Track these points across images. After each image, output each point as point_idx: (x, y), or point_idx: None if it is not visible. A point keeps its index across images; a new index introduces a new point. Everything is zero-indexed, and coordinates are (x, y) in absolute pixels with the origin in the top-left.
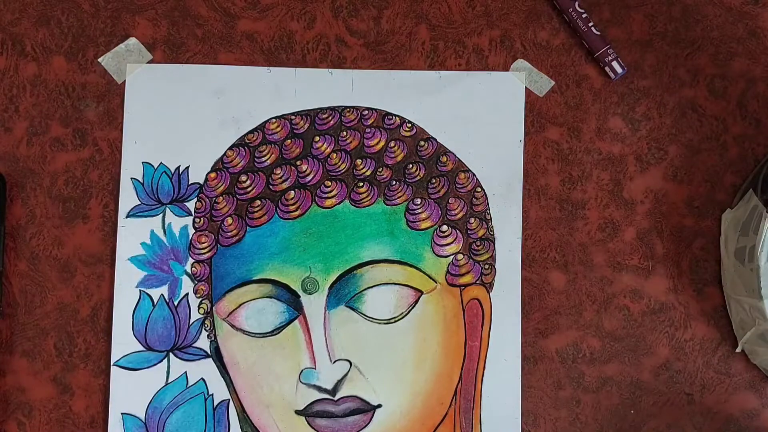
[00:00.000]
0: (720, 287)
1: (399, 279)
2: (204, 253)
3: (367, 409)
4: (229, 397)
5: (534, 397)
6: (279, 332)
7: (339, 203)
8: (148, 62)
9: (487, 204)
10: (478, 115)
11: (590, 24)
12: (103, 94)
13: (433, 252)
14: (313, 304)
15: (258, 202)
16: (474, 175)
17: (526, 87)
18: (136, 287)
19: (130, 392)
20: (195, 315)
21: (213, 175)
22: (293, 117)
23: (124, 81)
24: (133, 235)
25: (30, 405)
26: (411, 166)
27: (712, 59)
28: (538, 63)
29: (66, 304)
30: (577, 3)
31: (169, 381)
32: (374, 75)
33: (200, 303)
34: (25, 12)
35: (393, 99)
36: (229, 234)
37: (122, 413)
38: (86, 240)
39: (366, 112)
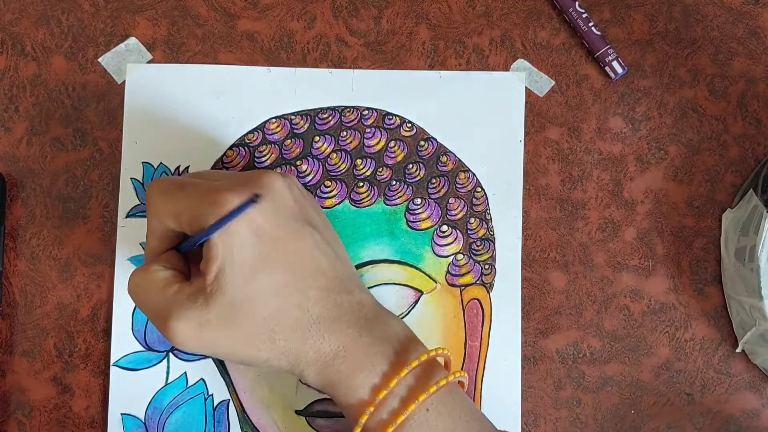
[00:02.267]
0: (720, 287)
1: (399, 279)
2: None
3: None
4: (229, 397)
5: (534, 397)
6: None
7: (339, 203)
8: (148, 62)
9: (487, 204)
10: (478, 115)
11: (590, 24)
12: (102, 94)
13: (433, 252)
14: None
15: None
16: (474, 175)
17: (526, 87)
18: None
19: (130, 392)
20: None
21: None
22: (293, 117)
23: (124, 81)
24: (133, 235)
25: (30, 405)
26: (411, 166)
27: (712, 59)
28: (538, 63)
29: (66, 304)
30: (577, 3)
31: (168, 381)
32: (374, 75)
33: None
34: (25, 12)
35: (393, 99)
36: None
37: (122, 413)
38: (86, 240)
39: (366, 112)
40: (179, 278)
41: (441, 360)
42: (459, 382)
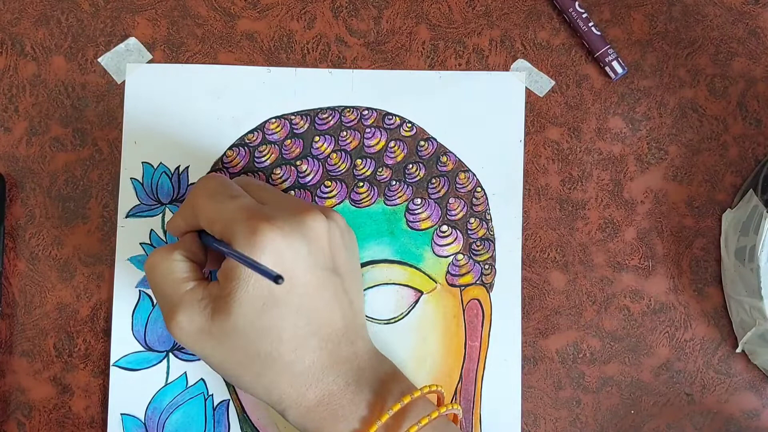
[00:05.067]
0: (720, 287)
1: (399, 279)
2: None
3: None
4: (229, 397)
5: (534, 397)
6: None
7: (339, 203)
8: (147, 62)
9: (487, 204)
10: (478, 115)
11: (590, 24)
12: (102, 94)
13: (433, 252)
14: None
15: None
16: (474, 175)
17: (526, 87)
18: (136, 287)
19: (130, 392)
20: None
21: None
22: (293, 117)
23: (124, 81)
24: (132, 235)
25: (30, 405)
26: (411, 166)
27: (712, 59)
28: (538, 63)
29: (65, 304)
30: (577, 3)
31: (168, 381)
32: (374, 75)
33: None
34: (24, 12)
35: (393, 99)
36: None
37: (122, 414)
38: (86, 240)
39: (366, 112)
40: (196, 274)
41: (434, 396)
42: (454, 416)
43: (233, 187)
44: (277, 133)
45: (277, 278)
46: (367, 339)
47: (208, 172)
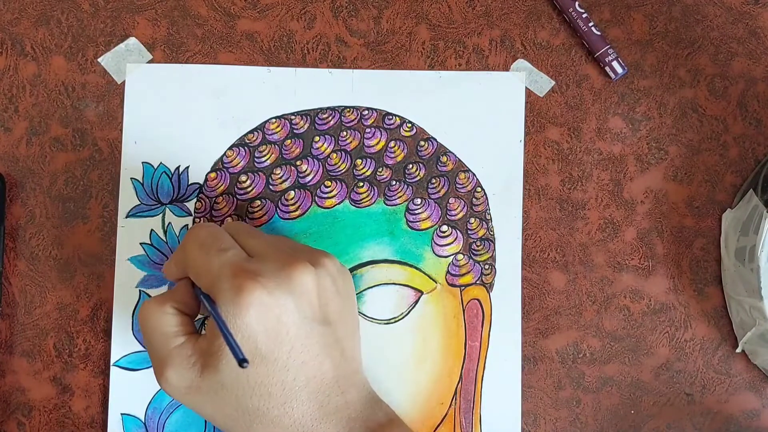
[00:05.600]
0: (720, 287)
1: (399, 279)
2: None
3: None
4: None
5: (534, 397)
6: None
7: (339, 203)
8: (148, 62)
9: (487, 204)
10: (478, 115)
11: (590, 24)
12: (102, 94)
13: (433, 252)
14: None
15: (258, 202)
16: (474, 175)
17: (526, 87)
18: (136, 287)
19: (130, 392)
20: None
21: (213, 175)
22: (293, 117)
23: (124, 81)
24: (133, 235)
25: (30, 405)
26: (411, 166)
27: (712, 59)
28: (538, 63)
29: (66, 304)
30: (577, 3)
31: None
32: (374, 75)
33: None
34: (24, 12)
35: (393, 99)
36: None
37: (122, 413)
38: (86, 240)
39: (366, 112)
40: (187, 328)
41: None
42: None
43: (222, 238)
44: (277, 133)
45: (241, 362)
46: (362, 385)
47: (208, 173)
